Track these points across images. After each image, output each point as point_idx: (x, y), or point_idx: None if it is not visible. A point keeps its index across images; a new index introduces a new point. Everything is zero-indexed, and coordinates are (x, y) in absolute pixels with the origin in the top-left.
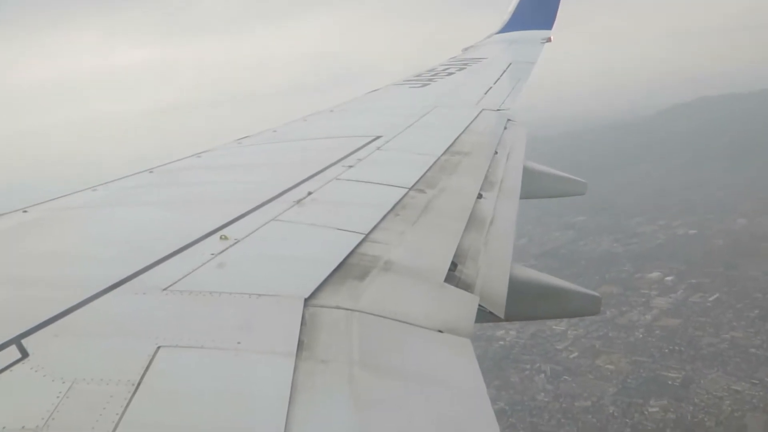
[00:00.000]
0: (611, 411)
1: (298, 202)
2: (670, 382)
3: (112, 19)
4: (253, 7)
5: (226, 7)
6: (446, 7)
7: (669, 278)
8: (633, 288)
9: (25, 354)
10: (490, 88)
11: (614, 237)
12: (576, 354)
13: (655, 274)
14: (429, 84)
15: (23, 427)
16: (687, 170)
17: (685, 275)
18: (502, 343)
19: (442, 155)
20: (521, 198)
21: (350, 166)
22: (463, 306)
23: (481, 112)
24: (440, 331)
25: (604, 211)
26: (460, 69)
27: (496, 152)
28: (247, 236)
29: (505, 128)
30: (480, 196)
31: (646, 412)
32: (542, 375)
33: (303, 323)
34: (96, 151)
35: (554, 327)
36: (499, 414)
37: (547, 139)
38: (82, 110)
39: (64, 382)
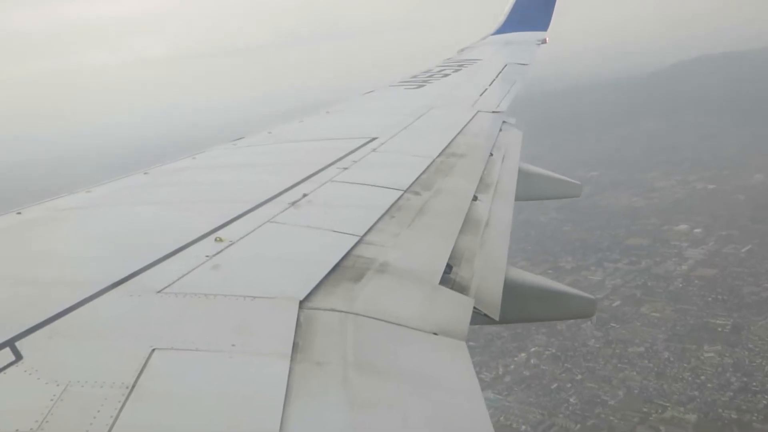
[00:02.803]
0: (666, 356)
1: (294, 203)
2: (719, 329)
3: None
4: None
5: None
6: None
7: (697, 230)
8: (662, 240)
9: (19, 356)
10: (486, 89)
11: (632, 191)
12: (618, 302)
13: (682, 227)
14: (424, 85)
15: (17, 430)
16: (692, 126)
17: (713, 228)
18: None
19: (437, 157)
20: (516, 200)
21: (345, 168)
22: (458, 308)
23: (476, 113)
24: (435, 334)
25: (615, 166)
26: (456, 70)
27: (491, 154)
28: (242, 238)
29: (501, 130)
30: (475, 198)
31: (702, 357)
32: (588, 322)
33: (298, 325)
34: (85, 100)
35: (590, 277)
36: (553, 359)
37: (549, 95)
38: (68, 59)
39: (58, 385)
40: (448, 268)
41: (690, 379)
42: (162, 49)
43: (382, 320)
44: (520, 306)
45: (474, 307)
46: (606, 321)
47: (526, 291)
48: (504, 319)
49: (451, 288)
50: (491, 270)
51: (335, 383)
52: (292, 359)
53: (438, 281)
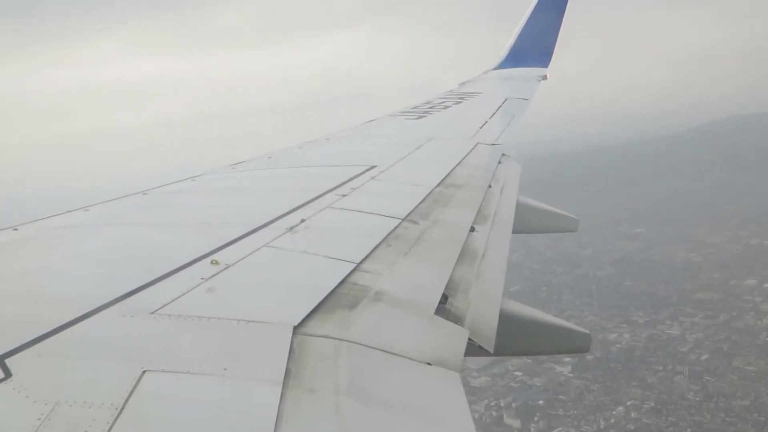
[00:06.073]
0: None
1: (291, 229)
2: None
3: (125, 31)
4: (268, 24)
5: (246, 21)
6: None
7: (767, 285)
8: (733, 294)
9: (8, 374)
10: (486, 122)
11: (685, 247)
12: (707, 356)
13: (751, 281)
14: (425, 116)
15: None
16: (730, 184)
17: None
18: (618, 346)
19: (436, 187)
20: (513, 232)
21: (344, 195)
22: (452, 339)
23: (476, 145)
24: (429, 364)
25: (660, 223)
26: (457, 103)
27: (489, 186)
28: (238, 261)
29: (500, 162)
30: (473, 229)
31: None
32: (680, 375)
33: (291, 351)
34: (104, 163)
35: (668, 331)
36: (655, 412)
37: (576, 155)
38: (89, 121)
39: (46, 404)
40: (444, 298)
41: None
42: (185, 110)
43: (376, 348)
44: (516, 339)
45: (469, 338)
46: (700, 374)
47: (521, 324)
48: (499, 351)
49: (447, 318)
50: (487, 301)
51: (327, 411)
52: (284, 385)
53: (433, 311)
